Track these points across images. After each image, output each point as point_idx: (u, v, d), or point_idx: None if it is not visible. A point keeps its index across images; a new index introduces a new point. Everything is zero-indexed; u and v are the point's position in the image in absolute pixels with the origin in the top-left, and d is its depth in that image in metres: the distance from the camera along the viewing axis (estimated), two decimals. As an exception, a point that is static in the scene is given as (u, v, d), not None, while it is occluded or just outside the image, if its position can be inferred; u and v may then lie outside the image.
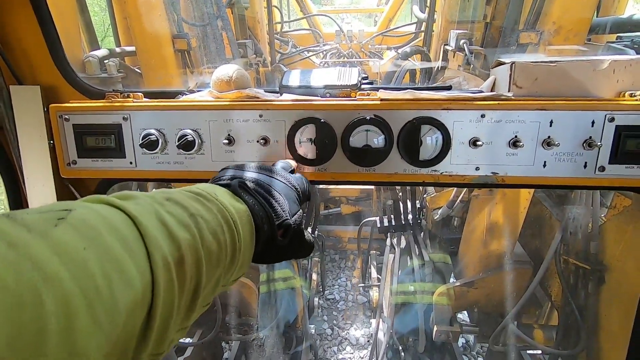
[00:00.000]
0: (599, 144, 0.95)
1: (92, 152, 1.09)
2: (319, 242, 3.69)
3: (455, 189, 2.42)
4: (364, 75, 1.21)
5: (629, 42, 2.08)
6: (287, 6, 7.37)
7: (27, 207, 1.29)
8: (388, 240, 3.28)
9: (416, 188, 3.07)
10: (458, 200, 2.37)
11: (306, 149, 1.04)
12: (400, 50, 3.78)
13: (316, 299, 4.15)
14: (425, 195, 2.70)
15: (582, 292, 2.06)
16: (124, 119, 1.06)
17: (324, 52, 5.91)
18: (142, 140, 1.03)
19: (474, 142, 0.99)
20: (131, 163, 1.09)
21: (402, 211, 3.07)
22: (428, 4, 3.63)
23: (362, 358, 5.01)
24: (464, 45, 2.16)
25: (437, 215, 2.55)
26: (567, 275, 2.15)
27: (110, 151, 1.08)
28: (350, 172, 1.05)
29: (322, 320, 5.60)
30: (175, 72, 1.95)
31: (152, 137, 1.03)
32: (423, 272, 2.67)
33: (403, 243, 3.13)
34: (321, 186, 5.71)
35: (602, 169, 0.98)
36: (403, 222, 3.08)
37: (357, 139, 1.02)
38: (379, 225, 3.20)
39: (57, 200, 1.32)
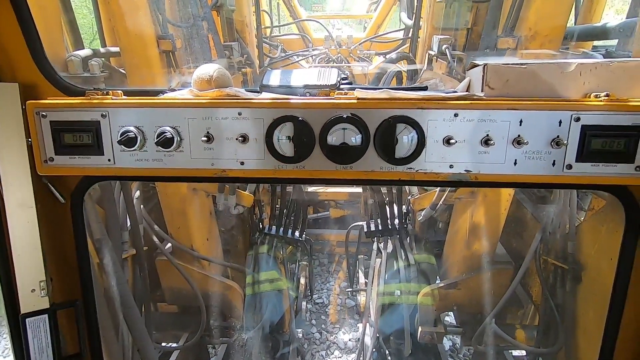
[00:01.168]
0: (565, 142, 0.99)
1: (69, 149, 1.08)
2: (307, 245, 3.70)
3: (437, 190, 2.46)
4: (343, 76, 1.23)
5: (604, 51, 2.16)
6: (277, 11, 7.42)
7: (4, 206, 1.27)
8: (375, 244, 3.31)
9: (402, 192, 3.10)
10: (441, 202, 2.41)
11: (284, 147, 1.05)
12: (387, 56, 3.84)
13: (304, 303, 4.15)
14: (409, 197, 2.73)
15: (561, 291, 2.11)
16: (103, 116, 1.06)
17: (313, 57, 5.97)
18: (120, 137, 1.04)
19: (447, 141, 1.02)
20: (109, 160, 1.09)
21: (388, 215, 3.11)
22: (414, 11, 3.71)
23: (350, 362, 5.00)
24: (446, 50, 2.21)
25: (421, 217, 2.59)
26: (546, 275, 2.20)
27: (88, 148, 1.08)
28: (328, 169, 1.07)
29: (311, 325, 5.58)
30: (159, 73, 1.95)
31: (131, 134, 1.04)
32: (409, 273, 2.70)
33: (390, 247, 3.16)
34: (310, 189, 5.73)
35: (570, 167, 1.02)
36: (390, 227, 3.12)
37: (335, 137, 1.04)
38: (365, 229, 3.23)
39: (35, 200, 1.30)
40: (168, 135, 1.04)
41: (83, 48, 2.24)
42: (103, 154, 1.08)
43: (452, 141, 1.02)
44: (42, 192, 1.32)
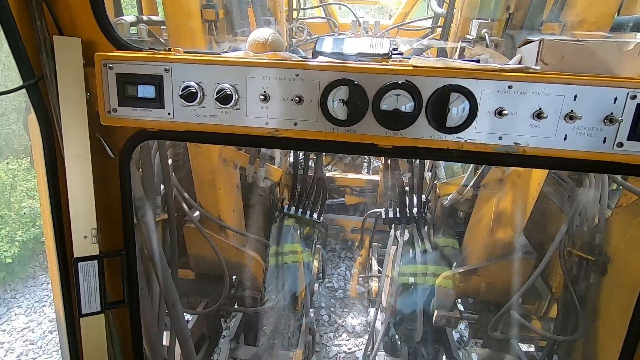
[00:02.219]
0: (620, 119, 0.99)
1: (132, 101, 1.14)
2: (323, 229, 3.76)
3: (465, 176, 2.47)
4: (394, 46, 1.25)
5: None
6: (304, -7, 7.35)
7: (62, 158, 1.34)
8: (392, 231, 3.34)
9: (423, 181, 3.11)
10: (469, 186, 2.42)
11: (338, 110, 1.09)
12: (415, 44, 3.81)
13: (316, 285, 4.22)
14: (436, 182, 2.74)
15: (583, 282, 2.11)
16: (166, 70, 1.11)
17: (339, 41, 5.91)
18: (182, 91, 1.08)
19: (499, 112, 1.04)
20: (169, 114, 1.14)
21: (407, 203, 3.12)
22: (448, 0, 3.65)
23: (358, 345, 5.10)
24: (485, 34, 2.19)
25: (447, 201, 2.60)
26: (569, 267, 2.21)
27: (150, 101, 1.13)
28: (378, 134, 1.10)
29: (320, 307, 5.69)
30: (202, 40, 1.99)
31: (192, 89, 1.08)
32: (426, 257, 2.73)
33: (407, 236, 3.19)
34: (327, 175, 5.76)
35: (621, 144, 1.03)
36: (408, 215, 3.14)
37: (388, 103, 1.07)
38: (383, 216, 3.26)
39: (91, 153, 1.37)
40: (227, 91, 1.08)
41: (123, 15, 2.29)
42: (164, 107, 1.13)
43: (504, 112, 1.03)
44: (96, 146, 1.39)
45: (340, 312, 5.75)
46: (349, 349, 5.10)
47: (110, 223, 1.53)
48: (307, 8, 6.57)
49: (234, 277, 2.91)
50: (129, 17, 2.13)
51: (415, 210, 3.15)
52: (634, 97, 1.00)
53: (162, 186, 2.29)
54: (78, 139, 1.31)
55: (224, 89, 1.08)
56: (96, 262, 1.39)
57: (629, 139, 1.02)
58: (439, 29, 4.72)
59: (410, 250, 3.00)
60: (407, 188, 3.19)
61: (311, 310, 3.59)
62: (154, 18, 2.34)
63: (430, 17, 5.61)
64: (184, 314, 3.02)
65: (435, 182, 2.76)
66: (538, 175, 2.29)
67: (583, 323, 2.06)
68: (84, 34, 1.32)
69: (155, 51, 1.17)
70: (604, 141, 1.04)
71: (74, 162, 1.32)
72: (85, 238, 1.38)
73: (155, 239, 1.77)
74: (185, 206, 2.53)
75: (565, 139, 1.05)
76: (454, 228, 3.11)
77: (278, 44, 1.23)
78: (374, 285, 3.97)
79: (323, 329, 5.45)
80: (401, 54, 1.24)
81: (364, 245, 4.08)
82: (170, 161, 2.53)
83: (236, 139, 1.18)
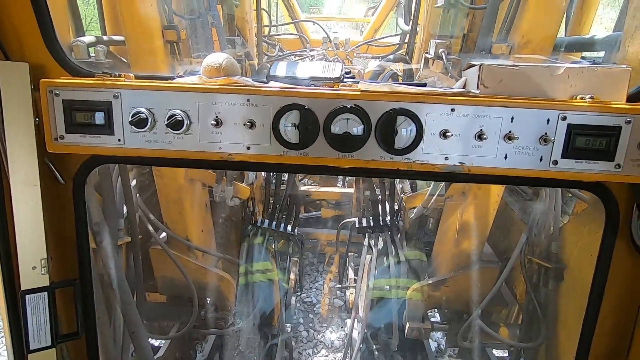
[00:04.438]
0: (552, 139, 1.06)
1: (80, 128, 1.12)
2: (299, 241, 3.75)
3: (429, 189, 2.54)
4: (346, 70, 1.29)
5: (591, 61, 2.27)
6: (276, 11, 7.48)
7: (9, 186, 1.28)
8: (366, 240, 3.37)
9: (394, 190, 3.17)
10: (433, 200, 2.48)
11: (290, 134, 1.11)
12: (384, 59, 3.92)
13: (293, 299, 4.18)
14: (402, 195, 2.80)
15: (544, 289, 2.20)
16: (115, 97, 1.10)
17: (311, 58, 6.03)
18: (131, 117, 1.07)
19: (444, 134, 1.09)
20: (119, 140, 1.13)
21: (380, 212, 3.17)
22: (412, 17, 3.81)
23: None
24: (442, 53, 2.29)
25: (413, 214, 2.66)
26: (530, 274, 2.29)
27: (99, 128, 1.11)
28: (330, 157, 1.12)
29: (298, 323, 5.61)
30: (163, 62, 1.98)
31: (142, 115, 1.08)
32: (399, 269, 2.76)
33: (380, 244, 3.22)
34: (302, 188, 5.76)
35: (556, 162, 1.10)
36: (381, 223, 3.18)
37: (338, 127, 1.10)
38: (357, 225, 3.29)
39: (40, 179, 1.32)
40: (179, 117, 1.08)
41: (84, 35, 2.25)
42: (113, 134, 1.12)
43: (448, 134, 1.09)
44: (46, 172, 1.35)
45: (319, 327, 5.69)
46: (328, 364, 5.03)
47: (65, 251, 1.48)
48: (278, 25, 6.67)
49: (208, 298, 2.84)
50: (88, 37, 2.09)
51: (388, 218, 3.19)
52: (564, 118, 1.07)
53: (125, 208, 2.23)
54: (25, 166, 1.27)
55: (175, 115, 1.08)
56: (46, 293, 1.33)
57: (562, 157, 1.09)
58: (406, 45, 4.91)
59: (385, 259, 3.03)
60: (379, 197, 3.24)
61: (288, 325, 3.52)
62: (116, 38, 2.31)
63: (398, 34, 5.82)
64: (155, 339, 2.91)
65: (401, 195, 2.82)
66: (497, 187, 2.38)
67: (545, 329, 2.14)
68: (33, 58, 1.29)
69: (105, 77, 1.16)
70: (541, 159, 1.10)
71: (20, 190, 1.27)
72: (34, 269, 1.32)
73: (113, 264, 1.71)
74: (150, 227, 2.47)
75: (505, 158, 1.11)
76: (424, 239, 3.18)
77: (232, 69, 1.24)
78: (350, 296, 3.97)
79: (302, 345, 5.37)
80: (353, 77, 1.28)
81: (334, 261, 4.08)
82: (134, 182, 2.46)
83: (191, 162, 1.17)
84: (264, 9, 5.67)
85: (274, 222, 3.22)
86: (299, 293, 4.50)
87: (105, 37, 2.22)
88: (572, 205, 2.58)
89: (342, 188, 6.64)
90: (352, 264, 4.49)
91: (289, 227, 3.28)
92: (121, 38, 2.20)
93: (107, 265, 1.76)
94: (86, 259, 1.48)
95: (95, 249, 1.83)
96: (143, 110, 1.09)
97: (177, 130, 1.09)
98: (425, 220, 3.15)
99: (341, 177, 7.13)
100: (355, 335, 3.18)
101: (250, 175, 2.96)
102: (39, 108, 1.24)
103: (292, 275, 3.81)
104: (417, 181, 2.84)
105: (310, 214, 6.04)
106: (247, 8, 3.48)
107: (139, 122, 1.08)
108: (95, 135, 1.12)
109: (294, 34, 6.71)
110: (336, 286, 4.46)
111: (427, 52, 2.64)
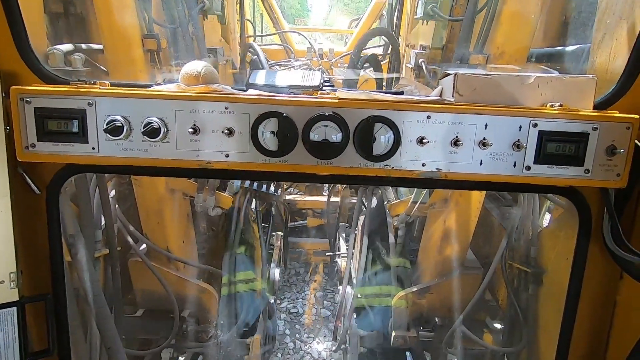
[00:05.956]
0: (525, 145, 1.09)
1: (53, 136, 1.09)
2: (283, 207, 3.62)
3: (412, 196, 2.57)
4: (326, 79, 1.31)
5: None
6: (261, 22, 7.54)
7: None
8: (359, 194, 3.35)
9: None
10: (415, 207, 2.51)
11: (268, 141, 1.10)
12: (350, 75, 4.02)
13: (277, 272, 4.07)
14: (386, 203, 2.83)
15: (524, 294, 2.23)
16: (89, 104, 1.08)
17: (295, 67, 6.08)
18: (106, 125, 1.05)
19: (420, 140, 1.11)
20: (94, 149, 1.10)
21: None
22: (394, 29, 3.91)
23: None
24: (422, 63, 2.35)
25: (396, 222, 2.68)
26: (511, 279, 2.33)
27: (72, 136, 1.09)
28: (309, 164, 1.12)
29: (285, 334, 5.52)
30: (142, 71, 1.96)
31: (117, 123, 1.06)
32: (383, 276, 2.77)
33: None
34: (288, 197, 5.74)
35: (529, 168, 1.13)
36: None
37: (317, 134, 1.10)
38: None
39: (10, 189, 1.28)
40: (155, 125, 1.06)
41: (63, 43, 2.21)
42: (87, 142, 1.09)
43: (424, 141, 1.11)
44: (18, 182, 1.30)
45: (306, 338, 5.61)
46: (315, 376, 4.95)
47: (37, 264, 1.42)
48: (263, 35, 6.72)
49: (189, 311, 2.77)
50: (66, 46, 2.05)
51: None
52: (535, 125, 1.11)
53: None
54: (-6, 177, 1.22)
55: (152, 123, 1.07)
56: (15, 309, 1.27)
57: (535, 162, 1.13)
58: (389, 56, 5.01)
59: (370, 263, 3.01)
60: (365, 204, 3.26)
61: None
62: (95, 46, 2.28)
63: (382, 45, 5.94)
64: (134, 355, 2.81)
65: (385, 203, 2.84)
66: (478, 194, 2.43)
67: (526, 333, 2.16)
68: (5, 65, 1.26)
69: (79, 84, 1.14)
70: (515, 165, 1.13)
71: (-11, 201, 1.23)
72: (2, 283, 1.26)
73: (88, 277, 1.66)
74: (129, 239, 2.40)
75: (481, 163, 1.13)
76: (410, 246, 3.20)
77: (211, 77, 1.24)
78: (342, 263, 3.96)
79: (288, 357, 5.28)
80: (332, 85, 1.29)
81: (318, 270, 4.08)
82: (113, 192, 2.41)
83: (169, 170, 1.16)
84: (248, 20, 5.72)
85: (262, 185, 3.13)
86: (283, 271, 4.42)
87: (83, 46, 2.18)
88: (551, 210, 2.64)
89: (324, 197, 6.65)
90: (344, 235, 4.50)
91: (272, 188, 3.22)
92: (100, 46, 2.17)
93: (82, 279, 1.70)
94: (59, 272, 1.43)
95: (71, 262, 1.77)
96: (118, 118, 1.07)
97: (154, 138, 1.08)
98: (411, 230, 3.17)
99: (326, 185, 7.15)
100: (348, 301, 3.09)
101: (237, 184, 2.93)
102: (11, 116, 1.21)
103: (275, 250, 3.74)
104: (401, 189, 2.87)
105: (296, 223, 6.01)
106: (230, 19, 3.50)
107: (114, 130, 1.06)
108: (68, 144, 1.10)
109: (278, 45, 6.77)
110: (327, 254, 4.49)
111: (408, 63, 2.70)
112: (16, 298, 1.29)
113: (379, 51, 5.90)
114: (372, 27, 6.96)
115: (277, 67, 5.75)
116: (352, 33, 7.39)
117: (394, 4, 4.10)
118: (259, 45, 6.28)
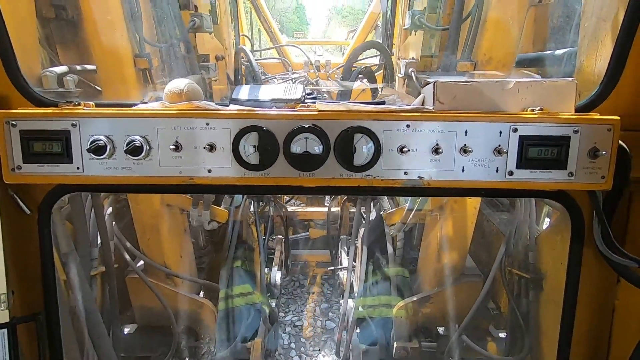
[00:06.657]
0: (506, 150, 1.09)
1: (38, 158, 1.11)
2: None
3: (407, 205, 2.55)
4: (308, 91, 1.33)
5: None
6: (259, 36, 7.67)
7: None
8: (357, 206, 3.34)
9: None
10: (411, 216, 2.50)
11: (250, 156, 1.11)
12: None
13: (278, 274, 4.03)
14: (381, 212, 2.81)
15: (525, 300, 2.19)
16: (73, 125, 1.10)
17: (292, 80, 6.15)
18: (89, 145, 1.07)
19: (401, 149, 1.11)
20: (78, 168, 1.12)
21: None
22: (387, 40, 3.97)
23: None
24: (412, 73, 2.37)
25: (393, 231, 2.66)
26: (511, 285, 2.29)
27: (57, 157, 1.11)
28: (291, 176, 1.13)
29: (290, 348, 5.45)
30: (134, 89, 2.00)
31: (100, 143, 1.08)
32: (382, 286, 2.74)
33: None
34: (290, 208, 5.73)
35: (511, 173, 1.12)
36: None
37: (298, 146, 1.11)
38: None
39: (4, 210, 1.29)
40: (137, 143, 1.08)
41: (59, 64, 2.27)
42: (72, 162, 1.11)
43: (405, 150, 1.11)
44: (8, 203, 1.32)
45: (312, 352, 5.53)
46: (320, 391, 4.86)
47: (29, 284, 1.43)
48: (260, 50, 6.84)
49: (188, 326, 2.75)
50: (60, 67, 2.10)
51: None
52: (516, 130, 1.10)
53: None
54: (-16, 199, 1.24)
55: (134, 141, 1.09)
56: (5, 330, 1.27)
57: (517, 167, 1.12)
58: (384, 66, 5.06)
59: (371, 274, 2.99)
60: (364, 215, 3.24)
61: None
62: (89, 67, 2.33)
63: (376, 55, 6.00)
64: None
65: (381, 212, 2.83)
66: (473, 200, 2.41)
67: (528, 341, 2.12)
68: (-5, 89, 1.29)
69: (64, 106, 1.16)
70: (497, 170, 1.13)
71: (-21, 223, 1.24)
72: (-8, 304, 1.27)
73: (80, 297, 1.66)
74: (127, 256, 2.41)
75: (463, 170, 1.13)
76: (410, 255, 3.17)
77: (194, 94, 1.26)
78: (344, 276, 3.93)
79: (293, 370, 5.19)
80: (315, 98, 1.31)
81: (315, 281, 4.06)
82: (110, 209, 2.43)
83: (152, 187, 1.17)
84: (244, 35, 5.82)
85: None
86: (284, 274, 4.41)
87: (78, 67, 2.24)
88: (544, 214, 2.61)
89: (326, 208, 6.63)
90: (345, 248, 4.48)
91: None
92: (94, 67, 2.22)
93: (76, 298, 1.70)
94: (52, 292, 1.44)
95: (66, 281, 1.77)
96: (101, 137, 1.09)
97: (137, 156, 1.09)
98: (410, 239, 3.15)
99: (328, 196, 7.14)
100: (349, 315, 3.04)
101: (237, 197, 2.93)
102: None
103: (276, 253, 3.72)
104: (398, 197, 2.86)
105: (298, 235, 5.99)
106: (225, 35, 3.57)
107: (97, 150, 1.08)
108: (54, 165, 1.12)
109: (276, 58, 6.87)
110: (329, 268, 4.48)
111: (399, 73, 2.72)
112: (7, 319, 1.29)
113: (375, 61, 5.98)
114: (367, 38, 7.05)
115: (274, 80, 5.82)
116: (349, 44, 7.49)
117: (388, 15, 4.17)
118: (257, 60, 6.38)
